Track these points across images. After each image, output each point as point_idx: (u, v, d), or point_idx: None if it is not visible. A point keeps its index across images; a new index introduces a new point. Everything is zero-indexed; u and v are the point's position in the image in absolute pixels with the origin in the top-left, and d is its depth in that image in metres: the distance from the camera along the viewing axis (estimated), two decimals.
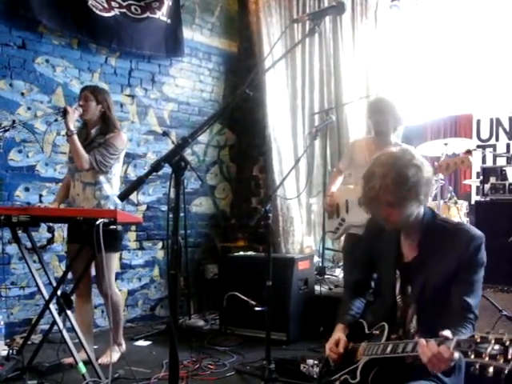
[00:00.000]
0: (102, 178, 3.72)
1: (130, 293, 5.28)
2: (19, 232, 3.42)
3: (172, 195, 1.80)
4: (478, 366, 1.43)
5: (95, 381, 3.17)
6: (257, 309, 3.85)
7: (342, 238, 4.06)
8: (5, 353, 3.59)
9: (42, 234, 4.26)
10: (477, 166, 5.76)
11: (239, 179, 6.44)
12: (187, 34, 5.77)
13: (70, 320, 3.31)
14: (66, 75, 4.85)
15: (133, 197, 5.26)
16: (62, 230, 4.52)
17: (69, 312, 3.31)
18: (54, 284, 3.37)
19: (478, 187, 5.81)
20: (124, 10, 5.13)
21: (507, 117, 6.50)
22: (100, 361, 3.60)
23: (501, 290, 4.34)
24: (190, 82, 5.90)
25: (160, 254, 5.55)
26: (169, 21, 5.46)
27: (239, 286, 4.47)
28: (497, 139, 6.59)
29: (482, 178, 5.12)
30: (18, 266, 4.47)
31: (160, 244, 5.56)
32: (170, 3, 5.45)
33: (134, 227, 5.22)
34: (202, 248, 5.97)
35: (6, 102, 4.46)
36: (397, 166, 1.87)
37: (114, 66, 5.21)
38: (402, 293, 2.02)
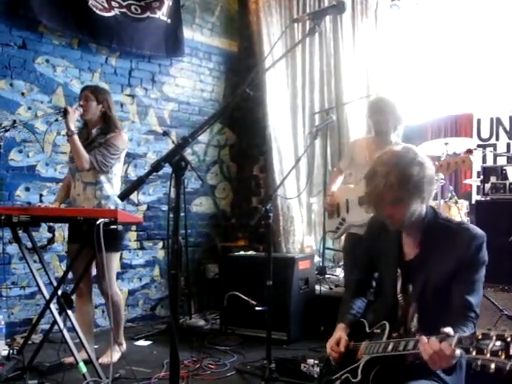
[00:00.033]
0: (102, 177, 3.73)
1: (131, 292, 5.28)
2: (20, 232, 3.43)
3: (172, 195, 1.80)
4: (479, 363, 1.43)
5: (96, 380, 3.17)
6: (257, 308, 3.84)
7: (343, 238, 4.06)
8: (5, 352, 3.59)
9: (42, 233, 4.26)
10: (477, 166, 5.76)
11: (239, 179, 6.44)
12: (187, 33, 5.77)
13: (70, 320, 3.32)
14: (67, 75, 4.85)
15: (133, 197, 5.26)
16: (62, 230, 4.53)
17: (69, 312, 3.32)
18: (55, 284, 3.37)
19: (478, 187, 5.82)
20: (124, 10, 5.13)
21: (507, 116, 6.50)
22: (100, 360, 3.60)
23: (501, 289, 4.35)
24: (190, 82, 5.90)
25: (160, 254, 5.55)
26: (169, 21, 5.46)
27: (240, 286, 4.47)
28: (497, 138, 6.59)
29: (482, 177, 5.13)
30: (18, 266, 4.47)
31: (160, 244, 5.56)
32: (170, 3, 5.45)
33: (134, 227, 5.22)
34: (203, 248, 5.97)
35: (6, 101, 4.46)
36: (401, 164, 1.87)
37: (114, 66, 5.21)
38: (403, 291, 2.02)
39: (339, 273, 5.54)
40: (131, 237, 5.27)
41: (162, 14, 5.39)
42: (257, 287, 3.69)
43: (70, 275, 3.61)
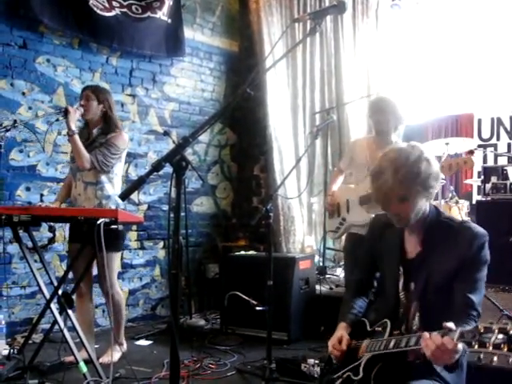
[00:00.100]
0: (103, 177, 3.73)
1: (131, 292, 5.28)
2: (20, 231, 3.43)
3: (173, 195, 1.80)
4: (482, 356, 1.43)
5: (96, 380, 3.17)
6: (258, 308, 3.84)
7: (343, 238, 4.06)
8: (6, 352, 3.60)
9: (43, 233, 4.27)
10: (478, 166, 5.75)
11: (240, 179, 6.44)
12: (188, 33, 5.77)
13: (70, 319, 3.32)
14: (67, 75, 4.86)
15: (134, 196, 5.26)
16: (63, 230, 4.53)
17: (70, 311, 3.32)
18: (55, 283, 3.37)
19: (479, 187, 5.81)
20: (125, 10, 5.13)
21: (508, 116, 6.50)
22: (101, 360, 3.60)
23: (502, 289, 4.35)
24: (191, 82, 5.90)
25: (161, 254, 5.55)
26: (169, 20, 5.46)
27: (240, 286, 4.47)
28: (498, 139, 6.58)
29: (483, 177, 5.13)
30: (19, 266, 4.48)
31: (161, 243, 5.56)
32: (171, 3, 5.45)
33: (135, 227, 5.23)
34: (203, 247, 5.98)
35: (7, 101, 4.46)
36: (409, 160, 1.88)
37: (114, 66, 5.21)
38: (405, 289, 2.03)
39: (340, 273, 5.54)
40: (132, 236, 5.27)
41: (163, 14, 5.39)
42: (257, 287, 3.69)
43: (70, 275, 3.62)
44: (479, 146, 6.22)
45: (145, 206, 5.43)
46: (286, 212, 5.85)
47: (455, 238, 1.93)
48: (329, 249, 5.82)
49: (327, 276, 5.34)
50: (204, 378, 3.59)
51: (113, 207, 3.65)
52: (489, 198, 4.94)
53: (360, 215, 3.65)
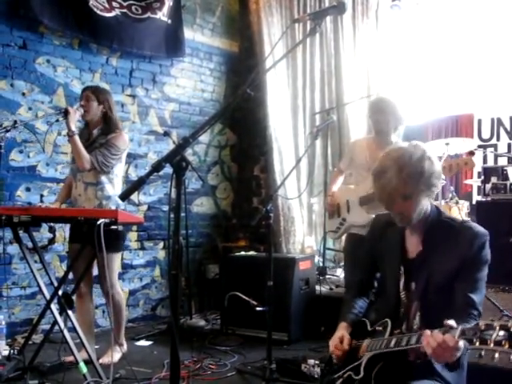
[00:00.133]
0: (103, 178, 3.73)
1: (131, 293, 5.28)
2: (20, 232, 3.43)
3: (173, 195, 1.80)
4: (483, 354, 1.44)
5: (96, 381, 3.17)
6: (258, 309, 3.84)
7: (343, 238, 4.06)
8: (6, 353, 3.60)
9: (43, 234, 4.27)
10: (478, 166, 5.75)
11: (240, 179, 6.44)
12: (188, 34, 5.77)
13: (71, 320, 3.32)
14: (67, 75, 4.86)
15: (134, 197, 5.26)
16: (63, 230, 4.53)
17: (70, 312, 3.32)
18: (55, 284, 3.37)
19: (479, 187, 5.81)
20: (125, 10, 5.13)
21: (508, 116, 6.49)
22: (101, 361, 3.60)
23: (502, 289, 4.35)
24: (191, 82, 5.90)
25: (161, 254, 5.55)
26: (169, 21, 5.47)
27: (240, 286, 4.47)
28: (498, 139, 6.58)
29: (483, 177, 5.12)
30: (19, 266, 4.48)
31: (161, 244, 5.56)
32: (171, 3, 5.45)
33: (135, 227, 5.22)
34: (203, 248, 5.98)
35: (6, 102, 4.46)
36: (413, 159, 1.89)
37: (114, 66, 5.21)
38: (405, 289, 2.03)
39: (340, 273, 5.54)
40: (132, 237, 5.27)
41: (163, 15, 5.39)
42: (257, 287, 3.69)
43: (70, 275, 3.62)
44: (479, 146, 6.21)
45: (145, 207, 5.43)
46: (286, 212, 5.85)
47: (456, 238, 1.93)
48: (329, 249, 5.82)
49: (327, 276, 5.34)
50: (204, 379, 3.59)
51: (113, 208, 3.65)
52: (489, 199, 4.94)
53: (360, 216, 3.65)
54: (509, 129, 6.50)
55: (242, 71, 6.25)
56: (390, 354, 1.86)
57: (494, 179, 4.97)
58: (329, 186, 4.27)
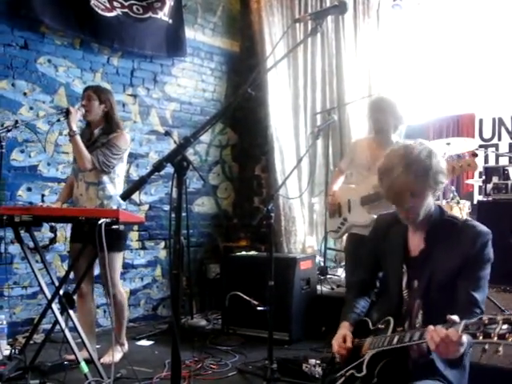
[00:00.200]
0: (105, 178, 3.73)
1: (133, 292, 5.28)
2: (22, 232, 3.43)
3: (174, 195, 1.80)
4: (486, 347, 1.43)
5: (97, 380, 3.18)
6: (259, 308, 3.85)
7: (344, 238, 4.05)
8: (7, 352, 3.60)
9: (44, 233, 4.27)
10: (479, 166, 5.75)
11: (241, 179, 6.44)
12: (189, 33, 5.77)
13: (72, 319, 3.32)
14: (69, 75, 4.86)
15: (135, 196, 5.26)
16: (64, 230, 4.53)
17: (71, 311, 3.32)
18: (57, 284, 3.37)
19: (480, 187, 5.81)
20: (126, 10, 5.14)
21: (509, 116, 6.49)
22: (102, 360, 3.60)
23: (503, 289, 4.34)
24: (192, 82, 5.90)
25: (162, 254, 5.55)
26: (170, 21, 5.46)
27: (241, 286, 4.47)
28: (499, 139, 6.58)
29: (484, 177, 5.12)
30: (20, 266, 4.48)
31: (162, 244, 5.56)
32: (172, 3, 5.45)
33: (136, 227, 5.22)
34: (205, 248, 5.98)
35: (8, 101, 4.47)
36: (421, 156, 1.90)
37: (116, 66, 5.21)
38: (408, 287, 2.03)
39: (341, 273, 5.53)
40: (133, 237, 5.27)
41: (164, 15, 5.39)
42: (258, 287, 3.69)
43: (71, 275, 3.62)
44: (480, 146, 6.21)
45: (146, 206, 5.43)
46: (287, 212, 5.85)
47: (458, 236, 1.93)
48: (330, 249, 5.82)
49: (328, 276, 5.34)
50: (205, 379, 3.59)
51: (114, 207, 3.65)
52: (490, 198, 4.93)
53: (361, 216, 3.65)
54: (510, 128, 6.50)
55: (243, 71, 6.25)
56: (393, 353, 1.86)
57: (495, 179, 4.96)
58: (329, 186, 4.27)
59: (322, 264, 5.48)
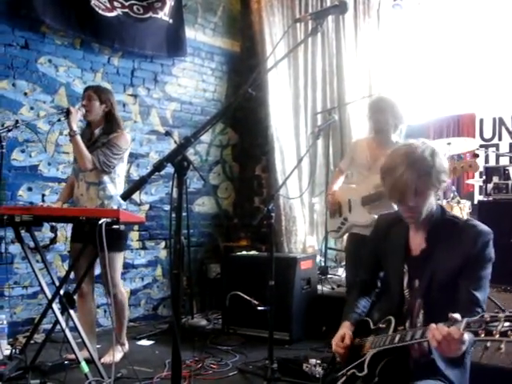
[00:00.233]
0: (105, 178, 3.73)
1: (133, 292, 5.29)
2: (22, 232, 3.43)
3: (175, 195, 1.80)
4: (488, 345, 1.44)
5: (98, 380, 3.18)
6: (259, 308, 3.84)
7: (345, 237, 4.05)
8: (8, 352, 3.60)
9: (44, 233, 4.27)
10: (480, 167, 5.75)
11: (242, 179, 6.44)
12: (190, 33, 5.77)
13: (72, 319, 3.32)
14: (69, 75, 4.86)
15: (135, 196, 5.27)
16: (64, 230, 4.53)
17: (71, 311, 3.32)
18: (57, 283, 3.37)
19: (480, 187, 5.81)
20: (126, 10, 5.14)
21: (510, 116, 6.49)
22: (103, 360, 3.61)
23: (504, 289, 4.33)
24: (192, 82, 5.90)
25: (163, 254, 5.55)
26: (171, 21, 5.46)
27: (242, 286, 4.47)
28: (500, 139, 6.58)
29: (484, 177, 5.12)
30: (21, 266, 4.48)
31: (163, 243, 5.56)
32: (172, 3, 5.45)
33: (136, 227, 5.23)
34: (205, 247, 5.98)
35: (8, 101, 4.47)
36: (424, 154, 1.90)
37: (116, 66, 5.21)
38: (409, 287, 2.03)
39: (341, 273, 5.53)
40: (133, 236, 5.28)
41: (164, 15, 5.39)
42: (259, 287, 3.69)
43: (72, 275, 3.62)
44: (481, 146, 6.21)
45: (146, 206, 5.43)
46: (288, 212, 5.85)
47: (459, 236, 1.93)
48: (330, 249, 5.82)
49: (329, 276, 5.34)
50: (206, 378, 3.59)
51: (115, 207, 3.65)
52: (490, 198, 4.93)
53: (362, 216, 3.65)
54: (511, 128, 6.50)
55: (243, 71, 6.25)
56: (394, 352, 1.86)
57: (495, 179, 4.96)
58: (329, 186, 4.27)
59: (323, 264, 5.48)
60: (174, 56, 5.65)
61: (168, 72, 5.65)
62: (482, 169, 5.37)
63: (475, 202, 5.77)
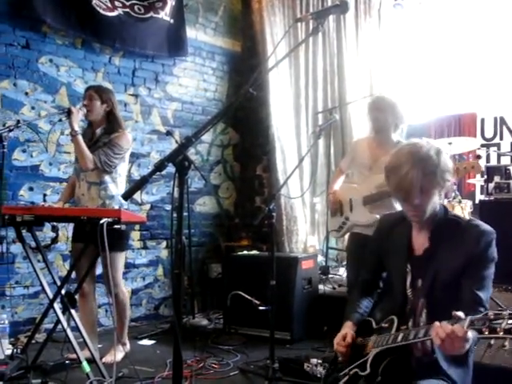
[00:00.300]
0: (107, 177, 3.73)
1: (134, 292, 5.29)
2: (23, 231, 3.43)
3: (176, 194, 1.80)
4: (492, 342, 1.44)
5: (99, 380, 3.18)
6: (260, 308, 3.85)
7: (346, 237, 4.05)
8: (9, 352, 3.60)
9: (46, 233, 4.27)
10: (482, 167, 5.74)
11: (243, 178, 6.44)
12: (191, 33, 5.77)
13: (73, 319, 3.33)
14: (70, 75, 4.86)
15: (137, 196, 5.27)
16: (65, 230, 4.54)
17: (73, 311, 3.32)
18: (58, 283, 3.38)
19: (482, 186, 5.80)
20: (127, 10, 5.14)
21: (511, 115, 6.48)
22: (104, 360, 3.61)
23: (505, 289, 4.33)
24: (193, 82, 5.90)
25: (164, 254, 5.55)
26: (172, 21, 5.47)
27: (243, 285, 4.47)
28: (501, 138, 6.57)
29: (486, 177, 5.11)
30: (22, 266, 4.48)
31: (164, 243, 5.56)
32: (173, 3, 5.45)
33: (137, 226, 5.23)
34: (206, 247, 5.98)
35: (10, 101, 4.47)
36: (430, 153, 1.91)
37: (117, 66, 5.22)
38: (412, 286, 2.03)
39: (342, 272, 5.53)
40: (134, 236, 5.28)
41: (165, 14, 5.39)
42: (260, 287, 3.69)
43: (73, 274, 3.62)
44: (482, 145, 6.20)
45: (148, 206, 5.43)
46: (289, 212, 5.85)
47: (462, 235, 1.94)
48: (331, 248, 5.82)
49: (330, 276, 5.34)
50: (207, 378, 3.59)
51: (116, 207, 3.65)
52: (492, 198, 4.92)
53: (363, 215, 3.65)
54: None
55: (244, 70, 6.25)
56: (397, 351, 1.86)
57: (497, 178, 4.96)
58: (330, 185, 4.27)
59: (324, 263, 5.48)
60: (175, 56, 5.65)
61: (169, 72, 5.65)
62: (483, 168, 5.37)
63: (476, 201, 5.76)
